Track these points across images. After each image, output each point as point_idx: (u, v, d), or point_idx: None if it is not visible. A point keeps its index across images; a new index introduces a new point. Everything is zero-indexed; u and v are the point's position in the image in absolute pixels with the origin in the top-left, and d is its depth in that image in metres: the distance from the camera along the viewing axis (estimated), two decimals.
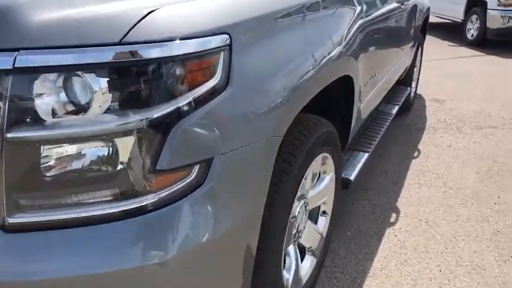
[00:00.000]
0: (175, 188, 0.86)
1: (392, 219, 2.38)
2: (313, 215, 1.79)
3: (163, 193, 0.85)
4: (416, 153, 3.26)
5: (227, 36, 0.89)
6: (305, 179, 1.47)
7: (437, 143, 3.45)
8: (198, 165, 0.88)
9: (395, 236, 2.22)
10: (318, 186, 1.69)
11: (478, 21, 7.47)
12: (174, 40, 0.81)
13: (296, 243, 1.58)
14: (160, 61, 0.80)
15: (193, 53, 0.83)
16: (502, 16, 7.01)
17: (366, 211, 2.44)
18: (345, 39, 1.48)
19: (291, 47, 1.13)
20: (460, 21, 8.12)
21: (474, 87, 5.02)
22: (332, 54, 1.34)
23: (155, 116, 0.80)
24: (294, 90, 1.09)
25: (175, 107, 0.82)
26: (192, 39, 0.83)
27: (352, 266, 1.97)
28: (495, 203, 2.54)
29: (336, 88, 1.64)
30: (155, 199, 0.85)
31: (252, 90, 0.96)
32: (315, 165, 1.51)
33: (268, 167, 1.04)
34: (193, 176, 0.88)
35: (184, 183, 0.87)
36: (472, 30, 7.69)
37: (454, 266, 1.99)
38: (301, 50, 1.18)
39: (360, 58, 1.73)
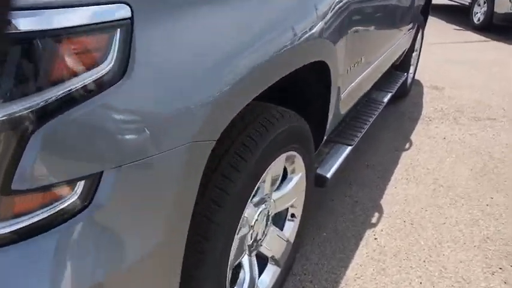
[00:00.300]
0: (50, 212, 0.64)
1: (374, 220, 2.18)
2: (280, 219, 1.58)
3: (32, 218, 0.63)
4: (407, 145, 3.04)
5: (127, 7, 0.65)
6: (264, 182, 1.26)
7: (431, 134, 3.22)
8: (83, 182, 0.65)
9: (375, 239, 2.02)
10: (285, 187, 1.47)
11: (486, 4, 7.12)
12: (45, 8, 0.58)
13: (254, 253, 1.38)
14: (20, 37, 0.56)
15: (71, 27, 0.59)
16: (510, 0, 6.66)
17: (346, 209, 2.24)
18: (317, 15, 1.22)
19: (226, 24, 0.84)
20: (468, 4, 7.76)
21: (477, 75, 4.74)
22: (295, 33, 1.08)
23: (7, 115, 0.57)
24: (232, 81, 0.83)
25: (41, 102, 0.58)
26: (70, 8, 0.59)
27: (324, 274, 1.78)
28: (487, 205, 2.34)
29: (309, 74, 1.40)
30: (19, 226, 0.63)
31: (162, 80, 0.70)
32: (276, 167, 1.28)
33: (192, 180, 0.80)
34: (76, 195, 0.65)
35: (64, 205, 0.65)
36: (478, 14, 7.34)
37: (436, 277, 1.80)
38: (241, 28, 0.89)
39: (341, 41, 1.48)
